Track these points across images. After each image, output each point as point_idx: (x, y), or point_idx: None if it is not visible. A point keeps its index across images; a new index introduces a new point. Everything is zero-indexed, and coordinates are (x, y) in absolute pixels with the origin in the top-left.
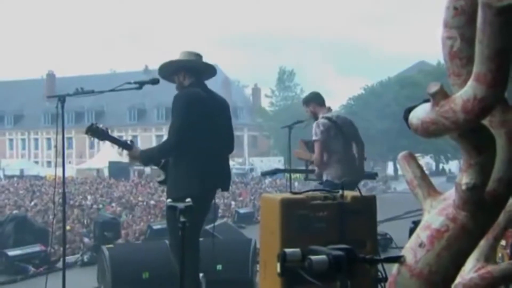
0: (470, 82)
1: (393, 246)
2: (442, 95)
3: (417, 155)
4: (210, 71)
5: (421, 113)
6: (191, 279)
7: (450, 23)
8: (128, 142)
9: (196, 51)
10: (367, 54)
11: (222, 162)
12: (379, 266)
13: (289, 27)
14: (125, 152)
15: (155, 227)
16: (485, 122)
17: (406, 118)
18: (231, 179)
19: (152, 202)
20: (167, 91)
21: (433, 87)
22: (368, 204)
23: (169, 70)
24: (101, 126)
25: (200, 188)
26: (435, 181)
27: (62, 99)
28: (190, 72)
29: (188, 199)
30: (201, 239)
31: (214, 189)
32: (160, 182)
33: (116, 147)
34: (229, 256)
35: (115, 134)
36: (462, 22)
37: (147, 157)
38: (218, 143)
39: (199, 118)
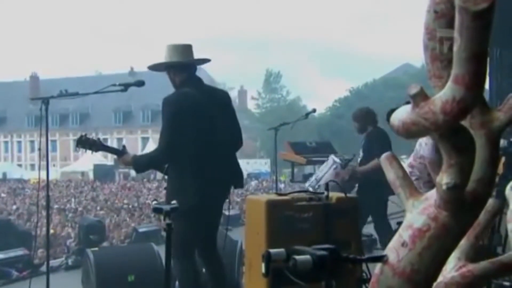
0: (449, 84)
1: (378, 247)
2: (422, 96)
3: (403, 156)
4: (201, 61)
5: (402, 114)
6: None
7: (431, 26)
8: (120, 148)
9: (183, 42)
10: (353, 56)
11: (226, 161)
12: (364, 267)
13: (276, 29)
14: (116, 157)
15: (141, 229)
16: (466, 123)
17: (389, 119)
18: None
19: (138, 204)
20: (153, 93)
21: (413, 89)
22: (352, 205)
23: (158, 70)
24: (91, 137)
25: (199, 196)
26: None
27: (46, 101)
28: (180, 69)
29: (174, 201)
30: None
31: (219, 193)
32: (166, 189)
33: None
34: None
35: (100, 136)
36: (442, 25)
37: (138, 165)
38: (219, 142)
39: (191, 121)
